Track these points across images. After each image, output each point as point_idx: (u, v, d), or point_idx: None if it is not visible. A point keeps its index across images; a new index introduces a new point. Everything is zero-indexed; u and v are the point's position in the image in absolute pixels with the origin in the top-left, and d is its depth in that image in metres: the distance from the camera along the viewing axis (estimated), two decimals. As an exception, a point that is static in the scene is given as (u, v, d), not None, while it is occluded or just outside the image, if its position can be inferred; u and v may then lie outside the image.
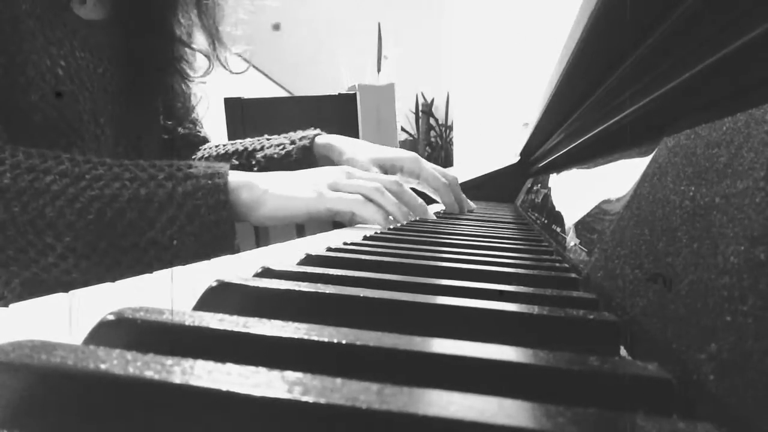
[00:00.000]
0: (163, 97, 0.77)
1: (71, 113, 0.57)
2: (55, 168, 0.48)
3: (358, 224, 0.62)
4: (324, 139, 0.75)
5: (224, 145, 0.83)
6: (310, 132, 0.75)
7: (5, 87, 0.52)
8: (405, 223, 0.58)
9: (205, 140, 0.88)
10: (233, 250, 0.55)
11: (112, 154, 0.66)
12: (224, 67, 0.78)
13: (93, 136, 0.61)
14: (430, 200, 0.73)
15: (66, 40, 0.58)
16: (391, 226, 0.54)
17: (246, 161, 0.77)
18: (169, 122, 0.81)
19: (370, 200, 0.56)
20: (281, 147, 0.75)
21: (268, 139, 0.77)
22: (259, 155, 0.76)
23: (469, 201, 0.82)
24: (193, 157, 0.84)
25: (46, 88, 0.55)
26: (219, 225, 0.52)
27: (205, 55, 0.76)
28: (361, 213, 0.54)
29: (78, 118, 0.58)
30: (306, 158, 0.73)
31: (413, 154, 0.61)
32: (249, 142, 0.81)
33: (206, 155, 0.82)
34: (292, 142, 0.74)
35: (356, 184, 0.57)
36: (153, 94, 0.74)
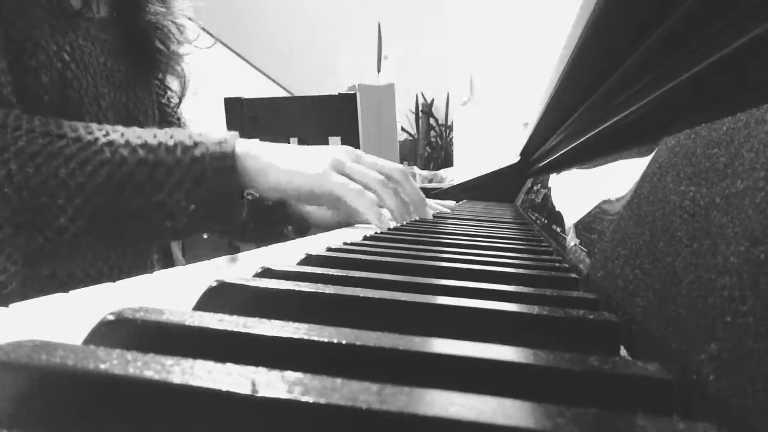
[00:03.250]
0: (158, 78, 0.79)
1: (74, 95, 0.60)
2: (70, 133, 0.50)
3: (356, 224, 0.62)
4: None
5: None
6: None
7: (17, 70, 0.55)
8: (404, 223, 0.58)
9: None
10: (240, 217, 0.55)
11: None
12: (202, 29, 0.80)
13: (95, 119, 0.63)
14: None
15: (69, 30, 0.61)
16: (391, 226, 0.55)
17: None
18: (165, 106, 0.83)
19: (372, 191, 0.56)
20: None
21: None
22: None
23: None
24: None
25: (53, 71, 0.57)
26: (225, 189, 0.53)
27: (190, 18, 0.78)
28: (357, 204, 0.55)
29: (80, 100, 0.61)
30: None
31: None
32: None
33: None
34: None
35: (361, 171, 0.57)
36: (151, 83, 0.76)
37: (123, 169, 0.50)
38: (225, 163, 0.53)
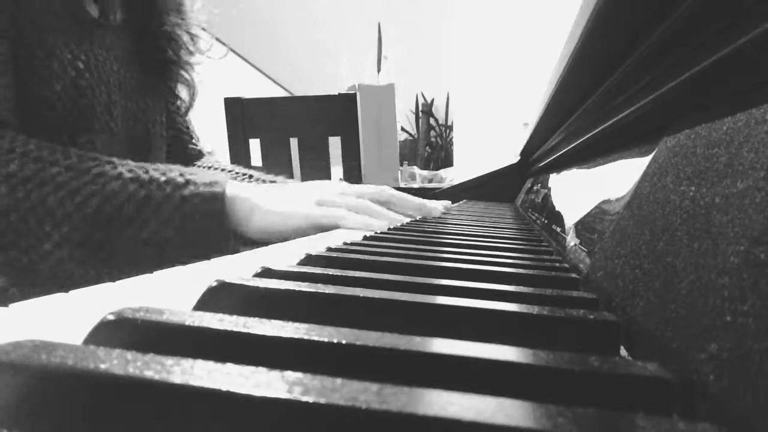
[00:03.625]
0: (169, 86, 0.79)
1: (86, 104, 0.60)
2: (62, 161, 0.50)
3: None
4: None
5: (223, 169, 0.86)
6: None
7: (27, 79, 0.54)
8: (405, 223, 0.58)
9: (200, 154, 0.90)
10: (226, 254, 0.56)
11: (123, 144, 0.68)
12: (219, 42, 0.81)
13: (106, 127, 0.63)
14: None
15: (85, 38, 0.60)
16: (391, 226, 0.55)
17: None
18: (174, 114, 0.83)
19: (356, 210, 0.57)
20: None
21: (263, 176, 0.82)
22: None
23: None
24: None
25: (66, 80, 0.57)
26: (212, 232, 0.53)
27: (204, 29, 0.79)
28: (351, 226, 0.55)
29: (92, 109, 0.61)
30: None
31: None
32: (243, 170, 0.85)
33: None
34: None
35: (343, 202, 0.58)
36: (161, 91, 0.77)
37: (112, 202, 0.50)
38: (214, 205, 0.53)
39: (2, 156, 0.48)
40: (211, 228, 0.53)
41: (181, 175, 0.54)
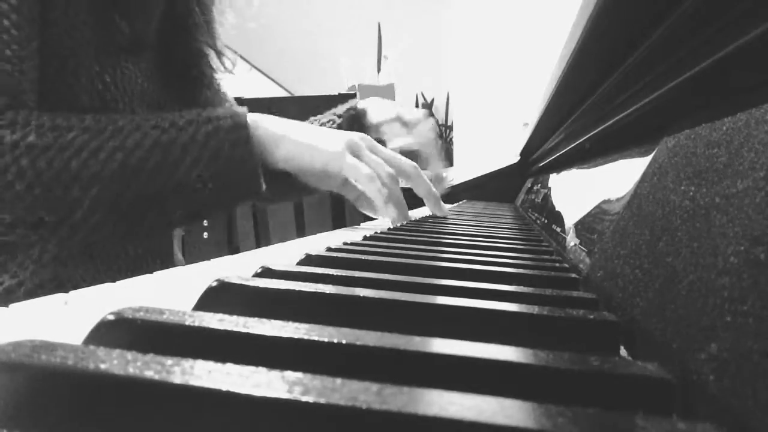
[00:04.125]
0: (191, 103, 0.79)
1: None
2: (78, 125, 0.49)
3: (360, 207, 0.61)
4: (362, 104, 0.83)
5: None
6: (351, 103, 0.81)
7: (55, 88, 0.54)
8: (404, 222, 0.58)
9: None
10: (261, 189, 0.54)
11: None
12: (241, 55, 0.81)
13: None
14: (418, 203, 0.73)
15: (113, 52, 0.60)
16: (391, 226, 0.55)
17: None
18: None
19: (382, 182, 0.56)
20: (331, 122, 0.79)
21: (315, 119, 0.81)
22: None
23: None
24: None
25: (93, 92, 0.57)
26: (243, 161, 0.52)
27: (227, 46, 0.79)
28: (366, 189, 0.54)
29: None
30: (356, 123, 0.80)
31: (411, 162, 0.62)
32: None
33: None
34: (339, 116, 0.79)
35: (375, 160, 0.57)
36: (181, 107, 0.76)
37: (137, 154, 0.49)
38: (240, 134, 0.52)
39: (19, 130, 0.47)
40: (240, 159, 0.51)
41: (199, 114, 0.53)
